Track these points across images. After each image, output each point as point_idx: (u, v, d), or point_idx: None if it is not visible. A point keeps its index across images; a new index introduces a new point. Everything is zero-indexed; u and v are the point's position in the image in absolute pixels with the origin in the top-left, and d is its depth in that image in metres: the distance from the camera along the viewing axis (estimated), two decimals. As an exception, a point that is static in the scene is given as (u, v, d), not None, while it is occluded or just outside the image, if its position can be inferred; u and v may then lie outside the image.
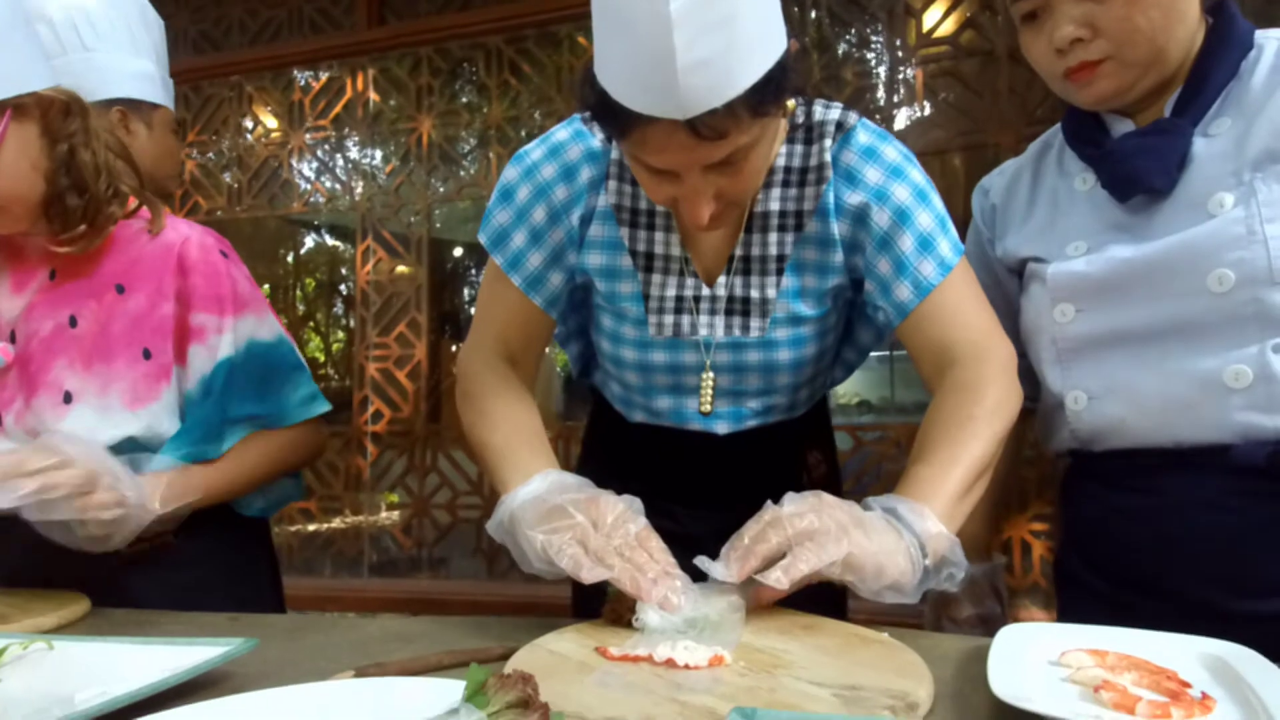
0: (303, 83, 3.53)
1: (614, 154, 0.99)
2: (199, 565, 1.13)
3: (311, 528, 3.47)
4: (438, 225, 4.43)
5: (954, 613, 1.09)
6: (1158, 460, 0.94)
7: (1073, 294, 0.97)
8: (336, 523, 3.47)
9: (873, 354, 1.21)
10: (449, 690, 0.56)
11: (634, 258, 1.00)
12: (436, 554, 3.37)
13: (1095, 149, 1.00)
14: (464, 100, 3.48)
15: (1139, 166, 0.94)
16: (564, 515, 0.83)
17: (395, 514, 3.54)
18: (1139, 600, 0.94)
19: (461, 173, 3.42)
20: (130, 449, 1.03)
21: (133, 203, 1.10)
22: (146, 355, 1.06)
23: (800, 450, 1.21)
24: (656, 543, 0.82)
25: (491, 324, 1.06)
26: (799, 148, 0.97)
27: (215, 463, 1.09)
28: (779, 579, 0.73)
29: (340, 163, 3.57)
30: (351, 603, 3.28)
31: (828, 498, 0.80)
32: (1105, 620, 0.77)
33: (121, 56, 1.63)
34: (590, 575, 0.78)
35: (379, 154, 3.49)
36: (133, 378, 1.05)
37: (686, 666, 0.66)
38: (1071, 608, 1.05)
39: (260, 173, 3.63)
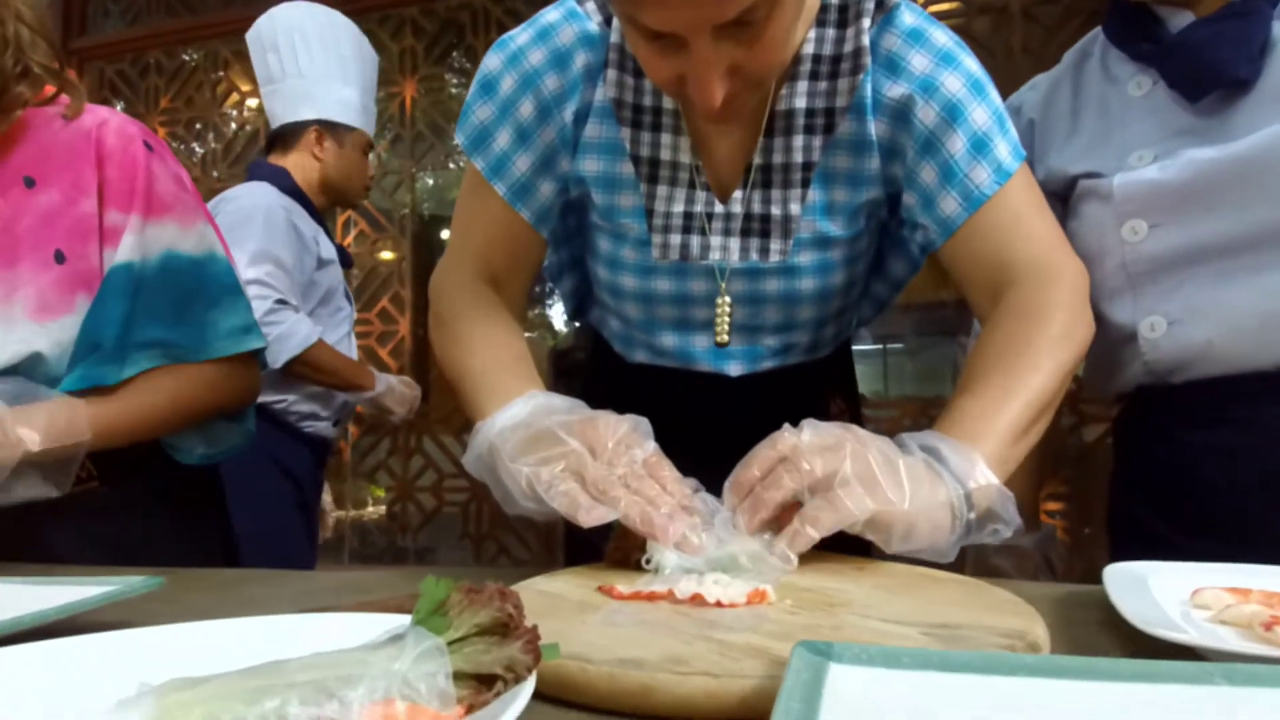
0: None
1: (614, 37, 0.83)
2: (132, 517, 0.97)
3: (288, 513, 3.29)
4: (424, 208, 4.27)
5: None
6: (1256, 386, 0.80)
7: (1145, 207, 0.83)
8: (314, 507, 3.30)
9: (866, 347, 1.06)
10: (400, 625, 0.41)
11: (636, 164, 0.84)
12: (421, 540, 3.20)
13: (1154, 45, 0.87)
14: (450, 65, 3.31)
15: (1216, 57, 0.81)
16: (554, 442, 0.67)
17: (385, 506, 3.37)
18: (1225, 550, 0.79)
19: (452, 164, 3.26)
20: (36, 368, 0.87)
21: (49, 91, 0.94)
22: (59, 259, 0.90)
23: (821, 396, 1.06)
24: (670, 470, 0.67)
25: (470, 240, 0.90)
26: (830, 32, 0.81)
27: (111, 395, 0.91)
28: (783, 553, 0.59)
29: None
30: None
31: (858, 431, 0.65)
32: None
33: (329, 84, 1.96)
34: (590, 516, 0.62)
35: (360, 120, 3.32)
36: (40, 285, 0.90)
37: (719, 604, 0.51)
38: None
39: (234, 141, 3.46)
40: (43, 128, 0.94)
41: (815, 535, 0.59)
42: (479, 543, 3.09)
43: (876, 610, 0.50)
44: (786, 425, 0.65)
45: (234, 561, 1.14)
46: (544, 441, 0.68)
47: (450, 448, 3.16)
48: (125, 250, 0.92)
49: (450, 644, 0.33)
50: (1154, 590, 0.57)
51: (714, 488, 0.67)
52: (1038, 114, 0.98)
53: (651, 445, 0.69)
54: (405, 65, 3.22)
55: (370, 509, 3.48)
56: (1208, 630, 0.50)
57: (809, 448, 0.62)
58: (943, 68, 0.78)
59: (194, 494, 1.07)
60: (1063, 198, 0.93)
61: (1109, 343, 0.89)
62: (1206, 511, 0.83)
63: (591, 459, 0.66)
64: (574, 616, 0.50)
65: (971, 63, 0.80)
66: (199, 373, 0.97)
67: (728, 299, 0.88)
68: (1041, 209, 0.81)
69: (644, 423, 0.70)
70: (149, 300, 0.93)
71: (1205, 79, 0.82)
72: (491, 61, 0.86)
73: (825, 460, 0.61)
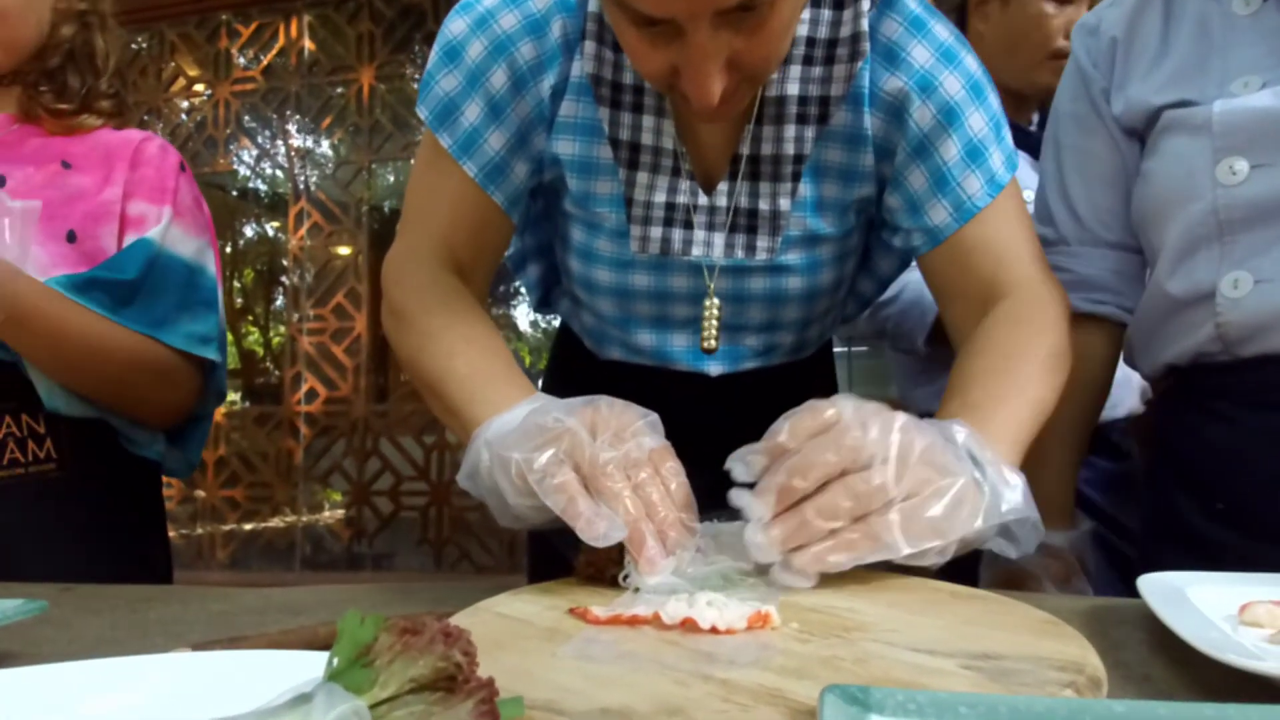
0: (230, 30, 3.21)
1: (592, 5, 0.74)
2: (81, 504, 0.95)
3: (234, 518, 3.14)
4: (387, 204, 4.13)
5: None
6: None
7: (1250, 141, 0.72)
8: (264, 510, 3.15)
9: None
10: (322, 667, 0.32)
11: (615, 148, 0.76)
12: (378, 546, 3.08)
13: None
14: (410, 52, 3.19)
15: None
16: (552, 425, 0.58)
17: (340, 511, 3.24)
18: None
19: (415, 160, 3.14)
20: None
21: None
22: (71, 238, 0.94)
23: (804, 397, 0.99)
24: (674, 466, 0.57)
25: (432, 223, 0.80)
26: (826, 13, 0.73)
27: (56, 294, 0.89)
28: (802, 571, 0.52)
29: (271, 119, 3.26)
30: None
31: (909, 430, 0.54)
32: None
33: None
34: (592, 531, 0.52)
35: (313, 109, 3.18)
36: (50, 252, 0.92)
37: (714, 630, 0.43)
38: (1175, 569, 0.83)
39: (181, 129, 3.30)
40: (94, 131, 1.03)
41: (847, 565, 0.51)
42: (439, 548, 2.98)
43: (902, 636, 0.42)
44: (840, 408, 0.55)
45: (169, 563, 1.08)
46: (541, 428, 0.58)
47: (409, 449, 3.05)
48: (154, 232, 0.97)
49: (375, 706, 0.24)
50: (1198, 604, 0.51)
51: (694, 493, 0.58)
52: (1121, 31, 0.84)
53: (661, 438, 0.59)
54: (362, 52, 3.11)
55: (326, 513, 3.35)
56: (1267, 651, 0.44)
57: (871, 459, 0.52)
58: (943, 65, 0.72)
59: (142, 486, 1.04)
60: (1141, 136, 0.83)
61: (1173, 306, 0.79)
62: (1267, 509, 0.74)
63: (590, 440, 0.56)
64: (541, 648, 0.41)
65: (972, 62, 0.74)
66: (143, 342, 0.94)
67: (717, 301, 0.81)
68: (1030, 227, 0.78)
69: (655, 417, 0.61)
70: (162, 287, 0.97)
71: None
72: (456, 26, 0.76)
73: (885, 483, 0.52)
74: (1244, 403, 0.76)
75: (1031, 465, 0.87)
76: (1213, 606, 0.51)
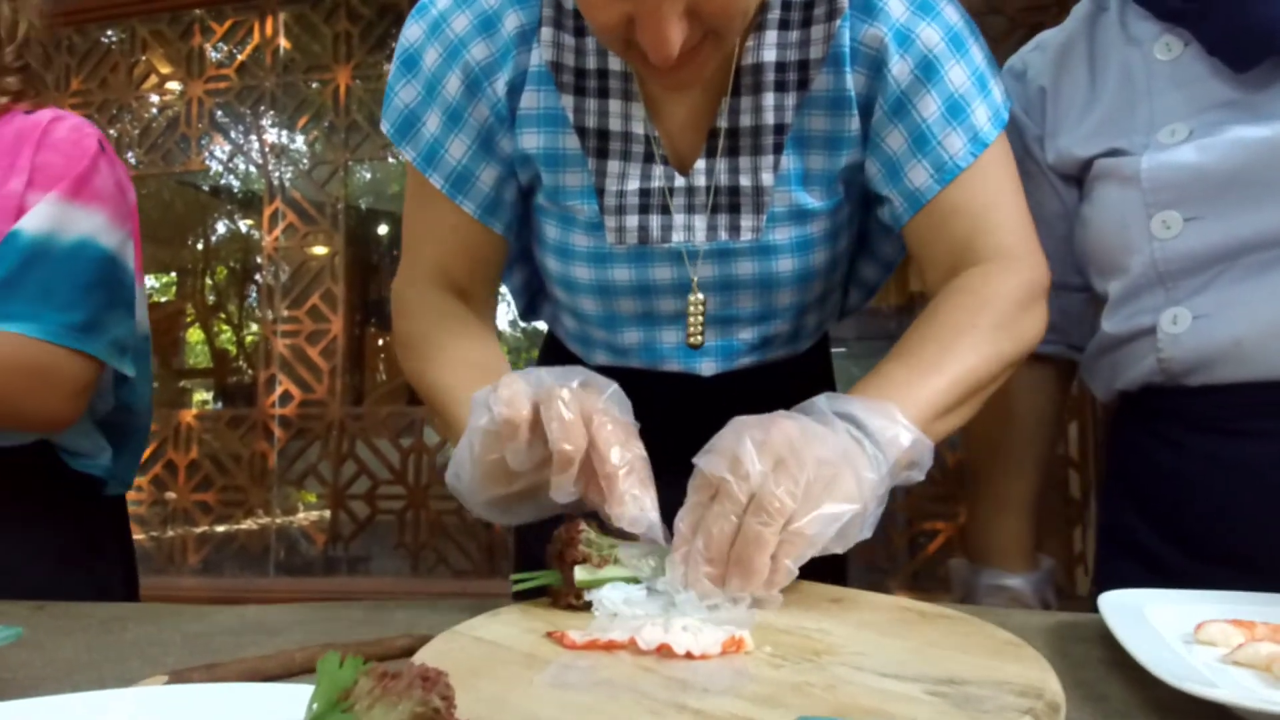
0: (204, 26, 3.17)
1: None
2: (19, 536, 0.89)
3: (207, 522, 3.10)
4: (362, 202, 4.10)
5: None
6: None
7: (1181, 196, 0.72)
8: (237, 514, 3.12)
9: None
10: (301, 700, 0.32)
11: (581, 137, 0.75)
12: (354, 549, 3.06)
13: (1191, 1, 0.74)
14: (387, 51, 3.17)
15: (1269, 16, 0.68)
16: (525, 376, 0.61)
17: (314, 512, 3.22)
18: (1229, 576, 0.69)
19: (391, 159, 3.12)
20: None
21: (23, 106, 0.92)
22: None
23: (802, 397, 0.99)
24: (639, 446, 0.60)
25: (423, 247, 0.81)
26: None
27: None
28: (774, 598, 0.54)
29: (245, 116, 3.22)
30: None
31: (787, 429, 0.57)
32: None
33: None
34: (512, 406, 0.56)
35: (289, 107, 3.15)
36: None
37: (689, 655, 0.44)
38: (1128, 584, 0.84)
39: (152, 127, 3.26)
40: (5, 115, 0.91)
41: (794, 569, 0.53)
42: (416, 552, 2.96)
43: (869, 660, 0.43)
44: (707, 459, 0.57)
45: (135, 590, 1.04)
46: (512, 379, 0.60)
47: (385, 453, 3.03)
48: (33, 217, 0.85)
49: (356, 751, 0.25)
50: (1154, 623, 0.53)
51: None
52: (1049, 80, 0.83)
53: (629, 415, 0.62)
54: (339, 51, 3.08)
55: (300, 515, 3.32)
56: (1226, 675, 0.45)
57: (763, 481, 0.53)
58: (920, 17, 0.70)
59: (97, 516, 0.98)
60: (1077, 181, 0.82)
61: (1115, 341, 0.80)
62: (1211, 532, 0.74)
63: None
64: (518, 674, 0.42)
65: (952, 12, 0.72)
66: (9, 342, 0.83)
67: (700, 296, 0.78)
68: (1016, 190, 0.74)
69: (617, 388, 0.62)
70: (42, 276, 0.85)
71: (1255, 44, 0.69)
72: (412, 32, 0.76)
73: (788, 493, 0.53)
74: (1190, 428, 0.76)
75: (988, 510, 0.88)
76: (1169, 624, 0.53)
